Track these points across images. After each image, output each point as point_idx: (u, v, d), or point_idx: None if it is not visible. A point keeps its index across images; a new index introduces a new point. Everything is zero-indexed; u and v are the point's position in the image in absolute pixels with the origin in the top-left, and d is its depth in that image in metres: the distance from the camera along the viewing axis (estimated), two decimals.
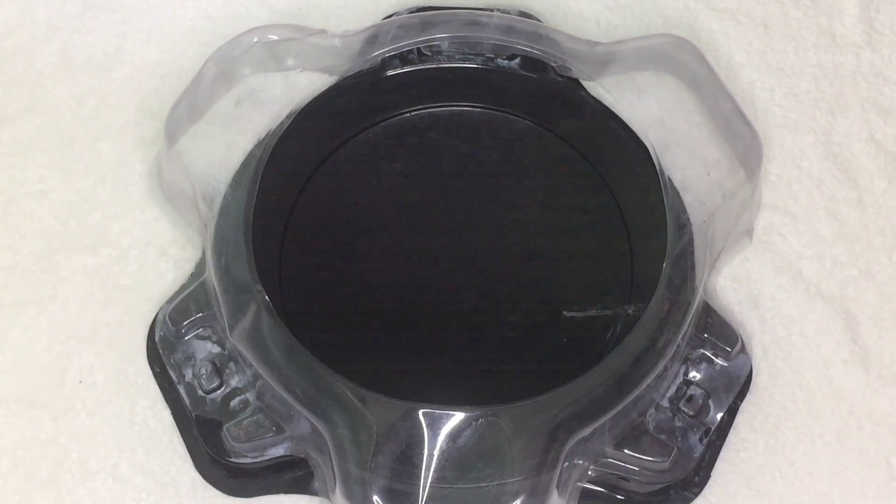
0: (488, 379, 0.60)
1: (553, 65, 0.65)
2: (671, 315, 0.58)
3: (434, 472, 0.55)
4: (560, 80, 0.65)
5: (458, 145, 0.65)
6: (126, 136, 0.67)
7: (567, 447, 0.56)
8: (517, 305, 0.61)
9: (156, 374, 0.61)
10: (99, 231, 0.65)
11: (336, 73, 0.65)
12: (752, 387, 0.62)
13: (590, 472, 0.58)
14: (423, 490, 0.55)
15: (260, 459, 0.59)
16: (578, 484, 0.58)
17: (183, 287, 0.63)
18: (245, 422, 0.58)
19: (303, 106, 0.63)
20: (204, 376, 0.59)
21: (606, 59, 0.66)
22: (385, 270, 0.62)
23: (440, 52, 0.65)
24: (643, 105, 0.67)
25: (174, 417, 0.61)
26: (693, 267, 0.61)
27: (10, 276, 0.64)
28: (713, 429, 0.59)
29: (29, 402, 0.62)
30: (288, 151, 0.62)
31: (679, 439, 0.59)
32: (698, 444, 0.59)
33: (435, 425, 0.55)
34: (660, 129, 0.66)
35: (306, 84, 0.66)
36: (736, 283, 0.64)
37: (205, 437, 0.59)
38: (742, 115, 0.64)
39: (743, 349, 0.61)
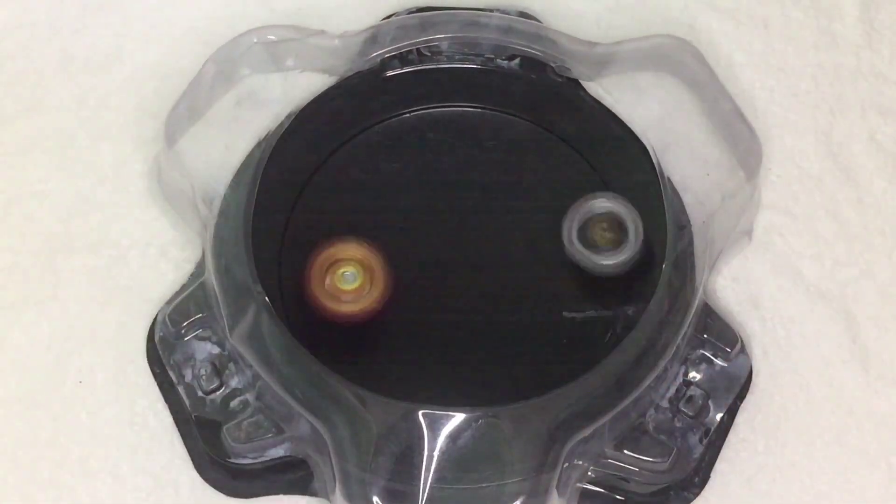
0: (488, 379, 0.60)
1: (553, 65, 0.65)
2: (671, 316, 0.58)
3: (434, 472, 0.55)
4: (560, 80, 0.65)
5: (458, 145, 0.65)
6: (126, 137, 0.67)
7: (567, 448, 0.56)
8: (517, 306, 0.61)
9: (155, 375, 0.61)
10: (99, 231, 0.65)
11: (336, 74, 0.65)
12: (752, 387, 0.62)
13: (589, 473, 0.58)
14: (423, 491, 0.55)
15: (260, 460, 0.59)
16: (578, 485, 0.59)
17: (183, 288, 0.63)
18: (245, 423, 0.58)
19: (302, 106, 0.63)
20: (204, 377, 0.60)
21: (606, 59, 0.66)
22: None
23: (440, 53, 0.65)
24: (643, 106, 0.67)
25: (174, 418, 0.61)
26: (693, 267, 0.61)
27: (10, 276, 0.64)
28: (713, 429, 0.59)
29: (29, 402, 0.62)
30: (288, 152, 0.62)
31: (679, 440, 0.59)
32: (698, 445, 0.59)
33: (435, 426, 0.55)
34: (659, 129, 0.66)
35: (306, 85, 0.66)
36: (736, 284, 0.64)
37: (204, 437, 0.59)
38: (742, 116, 0.64)
39: (743, 350, 0.61)
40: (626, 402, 0.57)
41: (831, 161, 0.67)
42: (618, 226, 0.60)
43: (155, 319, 0.62)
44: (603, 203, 0.60)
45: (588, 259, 0.60)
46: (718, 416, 0.60)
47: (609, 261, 0.59)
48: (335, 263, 0.58)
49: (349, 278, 0.58)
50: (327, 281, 0.58)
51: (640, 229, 0.59)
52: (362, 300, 0.58)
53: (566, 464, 0.56)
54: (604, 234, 0.60)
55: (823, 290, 0.64)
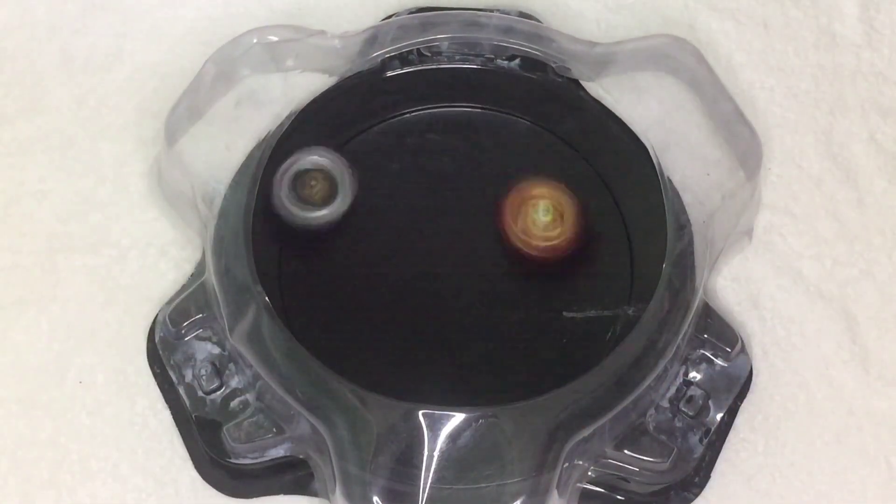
0: (488, 379, 0.60)
1: (553, 65, 0.65)
2: (671, 316, 0.58)
3: (434, 472, 0.55)
4: (560, 80, 0.65)
5: (458, 145, 0.65)
6: (126, 137, 0.67)
7: (567, 448, 0.56)
8: (517, 306, 0.61)
9: (156, 375, 0.61)
10: (99, 231, 0.65)
11: (336, 74, 0.65)
12: (752, 387, 0.62)
13: (590, 473, 0.58)
14: (423, 491, 0.55)
15: (260, 460, 0.59)
16: (578, 484, 0.58)
17: (183, 288, 0.63)
18: (245, 423, 0.58)
19: (302, 107, 0.63)
20: (204, 377, 0.60)
21: (606, 59, 0.66)
22: (385, 271, 0.62)
23: (440, 53, 0.65)
24: (643, 105, 0.67)
25: (174, 418, 0.61)
26: (693, 267, 0.61)
27: (10, 276, 0.64)
28: (713, 429, 0.59)
29: (29, 402, 0.62)
30: (288, 152, 0.62)
31: (679, 440, 0.59)
32: (698, 445, 0.59)
33: (435, 426, 0.55)
34: (659, 129, 0.66)
35: (306, 85, 0.65)
36: (736, 284, 0.64)
37: (205, 437, 0.59)
38: (741, 116, 0.64)
39: (743, 350, 0.61)
40: (627, 401, 0.57)
41: (831, 161, 0.67)
42: (328, 179, 0.61)
43: (155, 319, 0.62)
44: (311, 158, 0.61)
45: (299, 216, 0.61)
46: (719, 416, 0.60)
47: (318, 213, 0.61)
48: (528, 201, 0.61)
49: (542, 213, 0.61)
50: (520, 220, 0.61)
51: (351, 180, 0.61)
52: (555, 236, 0.61)
53: (566, 464, 0.56)
54: (313, 188, 0.61)
55: (823, 290, 0.64)
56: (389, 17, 0.68)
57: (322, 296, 0.61)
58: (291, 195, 0.61)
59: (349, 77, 0.64)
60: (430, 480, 0.55)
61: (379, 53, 0.64)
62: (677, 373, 0.60)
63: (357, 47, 0.65)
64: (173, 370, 0.60)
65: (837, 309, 0.64)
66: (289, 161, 0.61)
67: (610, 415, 0.57)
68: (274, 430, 0.58)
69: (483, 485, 0.56)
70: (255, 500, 0.60)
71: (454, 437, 0.55)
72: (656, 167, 0.61)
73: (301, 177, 0.61)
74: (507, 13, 0.67)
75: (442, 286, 0.62)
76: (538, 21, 0.68)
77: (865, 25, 0.71)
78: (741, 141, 0.64)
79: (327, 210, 0.61)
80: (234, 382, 0.59)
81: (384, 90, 0.65)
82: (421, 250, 0.63)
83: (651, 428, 0.59)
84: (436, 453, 0.55)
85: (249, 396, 0.59)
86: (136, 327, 0.63)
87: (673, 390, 0.60)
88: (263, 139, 0.62)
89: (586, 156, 0.64)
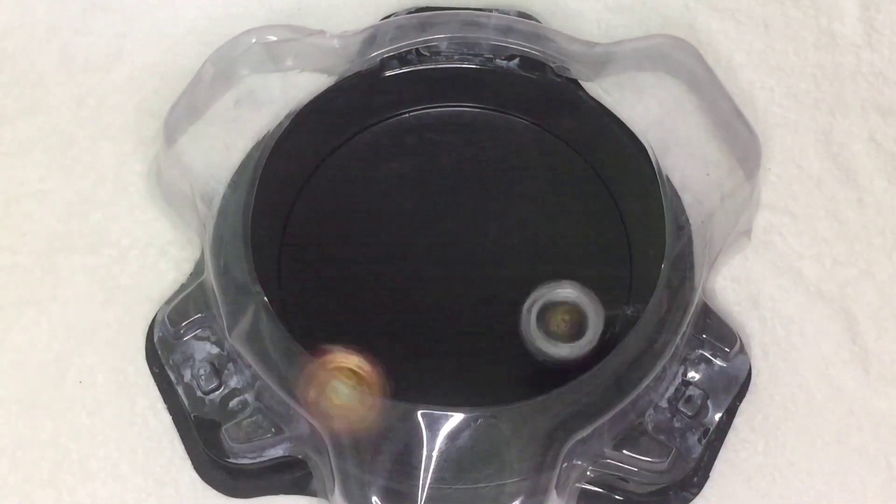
0: (487, 379, 0.60)
1: (552, 65, 0.65)
2: (670, 316, 0.58)
3: (433, 472, 0.55)
4: (559, 80, 0.65)
5: (457, 145, 0.65)
6: (126, 136, 0.68)
7: (566, 448, 0.56)
8: (516, 306, 0.61)
9: (155, 375, 0.61)
10: (99, 231, 0.65)
11: (335, 74, 0.65)
12: (752, 387, 0.62)
13: (589, 473, 0.58)
14: (422, 490, 0.55)
15: (259, 460, 0.59)
16: (577, 485, 0.58)
17: (182, 287, 0.63)
18: (244, 422, 0.58)
19: (301, 106, 0.63)
20: (203, 377, 0.60)
21: (605, 59, 0.66)
22: (384, 271, 0.62)
23: (439, 53, 0.65)
24: (642, 105, 0.67)
25: (173, 418, 0.61)
26: (692, 267, 0.61)
27: (10, 276, 0.64)
28: (712, 429, 0.59)
29: (29, 402, 0.62)
30: (287, 152, 0.62)
31: (678, 440, 0.59)
32: (697, 445, 0.59)
33: (433, 426, 0.55)
34: (659, 129, 0.66)
35: (305, 84, 0.66)
36: (735, 284, 0.64)
37: (204, 437, 0.59)
38: (740, 115, 0.64)
39: (742, 350, 0.61)
40: (625, 402, 0.57)
41: (831, 161, 0.67)
42: (577, 316, 0.59)
43: (154, 319, 0.62)
44: (565, 292, 0.59)
45: (544, 349, 0.58)
46: (717, 416, 0.60)
47: (564, 353, 0.58)
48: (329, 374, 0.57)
49: (343, 392, 0.56)
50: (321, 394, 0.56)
51: (601, 321, 0.58)
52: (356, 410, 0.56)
53: (565, 464, 0.56)
54: (562, 323, 0.59)
55: (823, 290, 0.64)
56: (388, 16, 0.68)
57: (321, 295, 0.61)
58: (539, 330, 0.58)
59: (348, 77, 0.64)
60: (428, 480, 0.55)
61: (378, 53, 0.64)
62: (676, 373, 0.60)
63: (356, 47, 0.65)
64: (172, 370, 0.60)
65: (837, 309, 0.64)
66: (537, 293, 0.59)
67: (609, 415, 0.57)
68: (273, 429, 0.58)
69: (482, 485, 0.56)
70: (254, 499, 0.60)
71: (453, 436, 0.55)
72: (655, 167, 0.61)
73: (548, 311, 0.59)
74: (506, 13, 0.67)
75: (441, 286, 0.62)
76: (537, 21, 0.68)
77: (865, 25, 0.71)
78: (740, 140, 0.64)
79: (571, 348, 0.58)
80: (233, 382, 0.59)
81: (383, 90, 0.65)
82: (420, 250, 0.63)
83: (650, 428, 0.58)
84: (434, 453, 0.55)
85: (248, 396, 0.59)
86: (135, 327, 0.63)
87: (672, 390, 0.60)
88: (262, 139, 0.63)
89: (585, 156, 0.64)
